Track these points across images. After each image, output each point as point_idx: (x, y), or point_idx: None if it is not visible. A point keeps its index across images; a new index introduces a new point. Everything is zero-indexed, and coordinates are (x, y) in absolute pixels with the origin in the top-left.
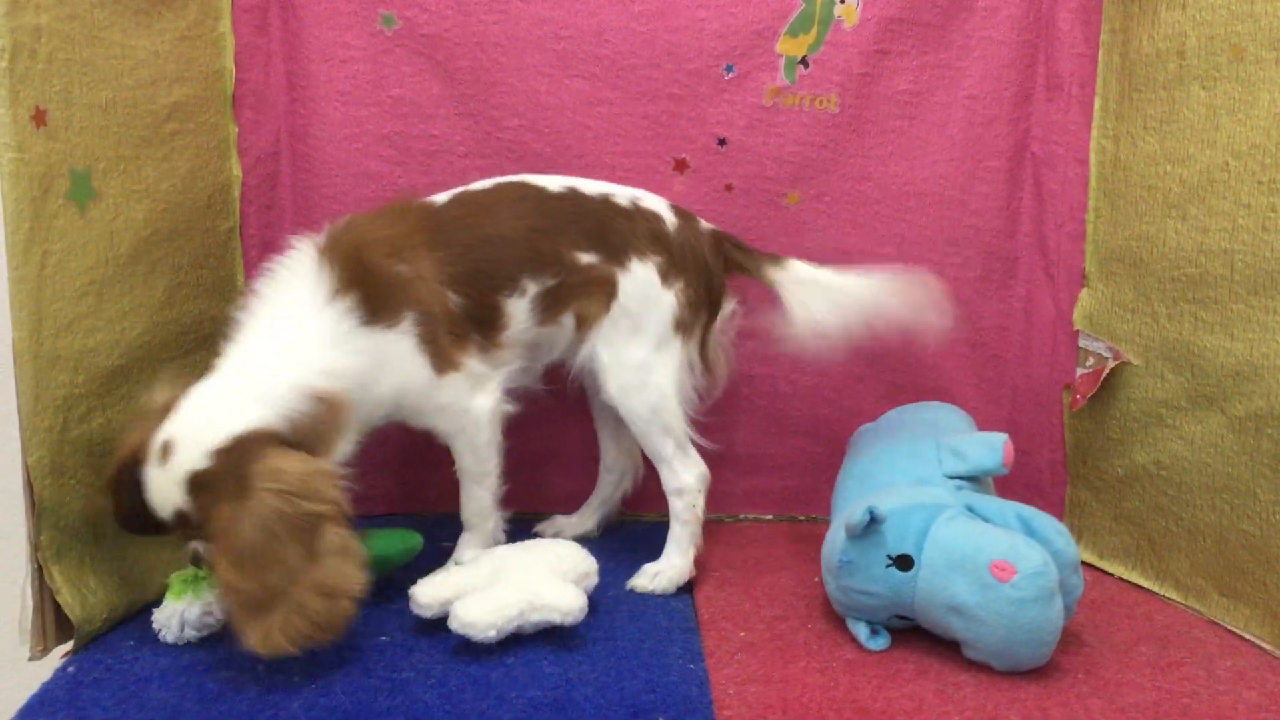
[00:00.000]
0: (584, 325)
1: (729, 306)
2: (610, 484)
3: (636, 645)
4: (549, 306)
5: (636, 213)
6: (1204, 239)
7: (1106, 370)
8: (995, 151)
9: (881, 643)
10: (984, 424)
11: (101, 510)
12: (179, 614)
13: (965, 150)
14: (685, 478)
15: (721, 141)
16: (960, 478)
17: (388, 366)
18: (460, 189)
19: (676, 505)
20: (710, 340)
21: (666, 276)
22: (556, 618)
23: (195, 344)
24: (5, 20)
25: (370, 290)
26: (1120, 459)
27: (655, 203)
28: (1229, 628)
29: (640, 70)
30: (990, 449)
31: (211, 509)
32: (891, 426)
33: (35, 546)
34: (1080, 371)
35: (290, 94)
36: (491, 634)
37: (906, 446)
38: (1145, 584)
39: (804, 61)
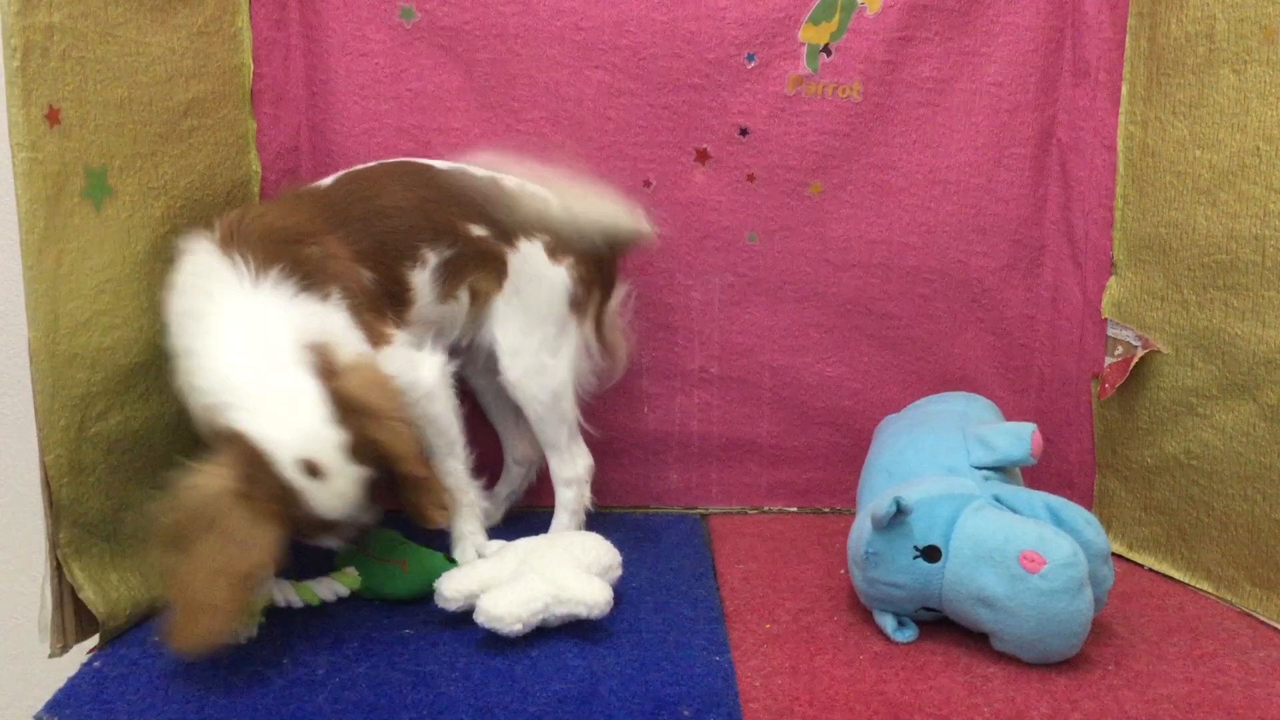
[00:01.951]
0: (478, 302)
1: (622, 289)
2: (519, 476)
3: (661, 637)
4: (447, 278)
5: (522, 193)
6: (1234, 225)
7: (1135, 359)
8: (1021, 139)
9: (908, 635)
10: (1011, 414)
11: (125, 511)
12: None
13: (990, 138)
14: (578, 467)
15: (743, 131)
16: (987, 468)
17: (332, 338)
18: (344, 170)
19: (566, 495)
20: (606, 321)
21: (554, 253)
22: (582, 611)
23: None
24: (17, 19)
25: (291, 265)
26: (1150, 449)
27: (541, 188)
28: (1262, 619)
29: (661, 60)
30: (1018, 439)
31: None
32: (917, 417)
33: (53, 544)
34: (1109, 360)
35: (309, 88)
36: (518, 628)
37: (933, 437)
38: (1176, 575)
39: (826, 49)
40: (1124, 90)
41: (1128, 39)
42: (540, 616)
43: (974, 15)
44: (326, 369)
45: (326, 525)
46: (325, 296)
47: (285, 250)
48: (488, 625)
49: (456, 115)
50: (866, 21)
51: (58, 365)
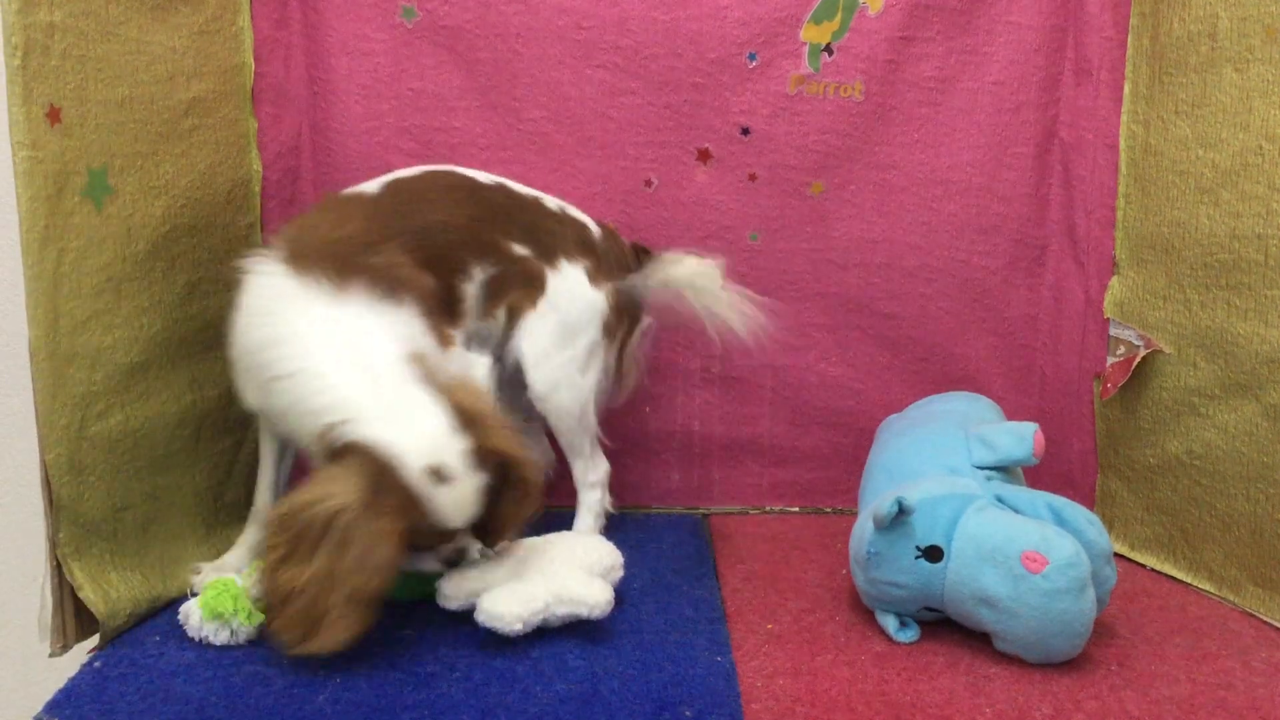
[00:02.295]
0: (513, 318)
1: (646, 320)
2: None
3: (663, 638)
4: (490, 296)
5: (565, 218)
6: (1237, 224)
7: (1138, 359)
8: (1023, 138)
9: (910, 635)
10: (1013, 414)
11: (125, 510)
12: (228, 626)
13: (992, 137)
14: (600, 472)
15: (745, 131)
16: (989, 468)
17: (418, 345)
18: (389, 177)
19: (591, 498)
20: (627, 351)
21: (595, 279)
22: (583, 611)
23: (215, 340)
24: (18, 18)
25: (366, 276)
26: (1152, 448)
27: (580, 214)
28: (1264, 619)
29: (662, 60)
30: (1020, 439)
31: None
32: (919, 417)
33: (53, 544)
34: (1111, 360)
35: (310, 88)
36: (519, 627)
37: (934, 437)
38: (1178, 575)
39: (828, 49)
40: (1126, 89)
41: (1130, 38)
42: (541, 616)
43: (976, 14)
44: (430, 378)
45: (445, 535)
46: (400, 303)
47: (354, 261)
48: (488, 624)
49: (458, 115)
50: (868, 21)
51: (58, 364)
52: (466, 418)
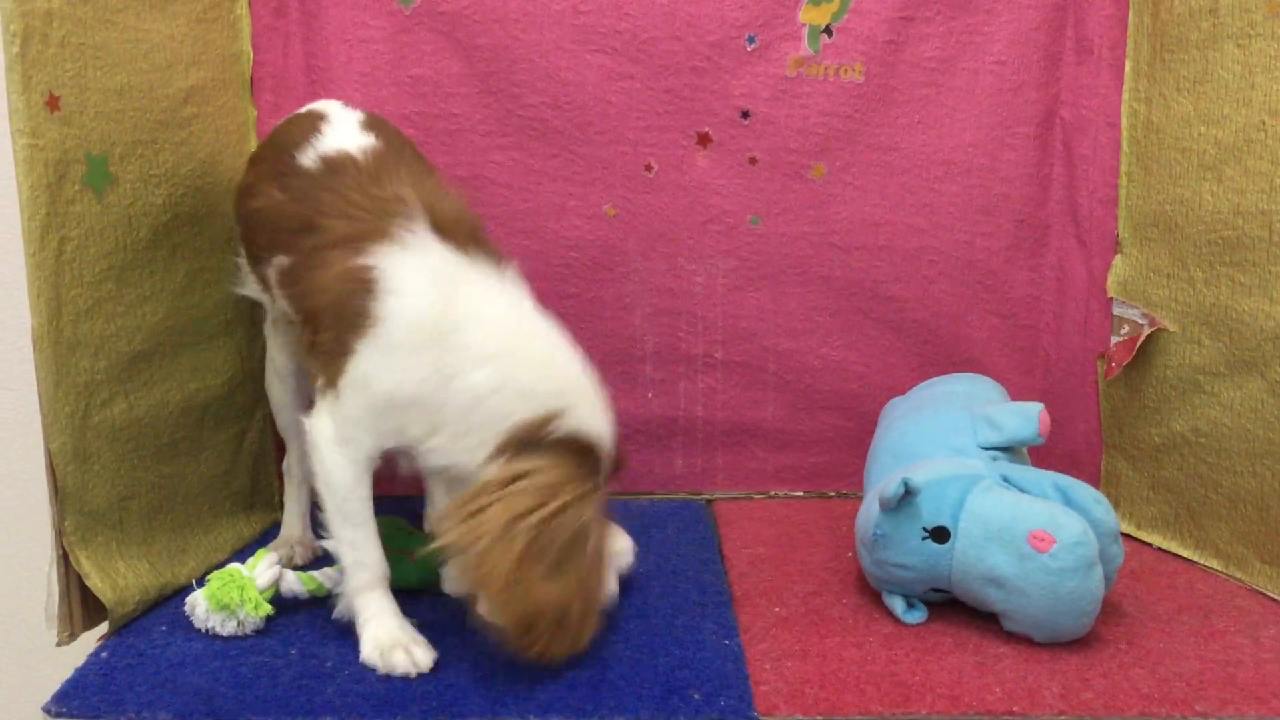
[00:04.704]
0: None
1: None
2: None
3: (670, 622)
4: None
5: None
6: (1240, 201)
7: (1142, 337)
8: (1024, 118)
9: (918, 616)
10: (1017, 394)
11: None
12: (235, 617)
13: (994, 117)
14: None
15: (745, 114)
16: (995, 448)
17: None
18: (358, 115)
19: None
20: None
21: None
22: None
23: (217, 329)
24: (16, 5)
25: (489, 245)
26: (1157, 427)
27: None
28: (1272, 596)
29: (661, 43)
30: (1026, 419)
31: None
32: (923, 399)
33: (59, 532)
34: (1115, 339)
35: (309, 76)
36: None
37: (939, 418)
38: (1185, 553)
39: (828, 30)
40: (1127, 67)
41: (1130, 15)
42: None
43: None
44: None
45: None
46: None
47: (485, 239)
48: (454, 594)
49: (457, 101)
50: (868, 2)
51: (61, 353)
52: None
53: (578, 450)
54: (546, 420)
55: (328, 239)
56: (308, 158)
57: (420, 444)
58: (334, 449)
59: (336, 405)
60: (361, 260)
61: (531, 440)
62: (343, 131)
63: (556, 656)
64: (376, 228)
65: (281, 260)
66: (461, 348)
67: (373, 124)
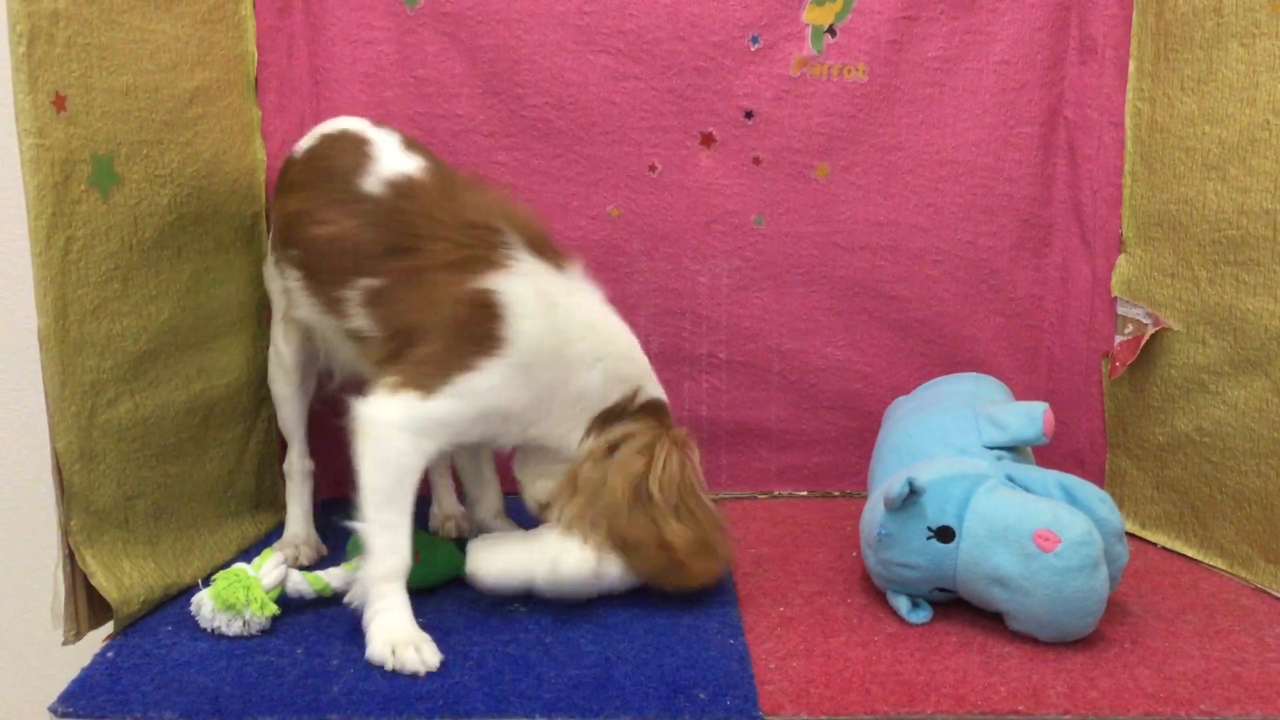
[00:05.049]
0: None
1: None
2: None
3: (675, 622)
4: None
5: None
6: (1245, 200)
7: (1146, 337)
8: (1028, 117)
9: (923, 616)
10: (1021, 394)
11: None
12: (241, 617)
13: (997, 117)
14: None
15: (748, 114)
16: (1000, 448)
17: None
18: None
19: None
20: None
21: None
22: (569, 572)
23: (223, 329)
24: (22, 5)
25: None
26: (1161, 426)
27: None
28: (1277, 595)
29: (665, 44)
30: (1030, 418)
31: None
32: (927, 398)
33: (65, 531)
34: (1119, 339)
35: (313, 77)
36: (490, 582)
37: (944, 418)
38: (1189, 553)
39: (831, 30)
40: (1131, 66)
41: (1134, 14)
42: (522, 580)
43: None
44: None
45: None
46: None
47: (552, 240)
48: (469, 571)
49: (461, 102)
50: (871, 1)
51: (67, 352)
52: None
53: (653, 410)
54: (633, 397)
55: (428, 261)
56: (370, 183)
57: (507, 438)
58: (404, 436)
59: (425, 406)
60: (479, 284)
61: (618, 413)
62: (393, 154)
63: (711, 580)
64: (483, 253)
65: (368, 283)
66: (577, 357)
67: (409, 143)
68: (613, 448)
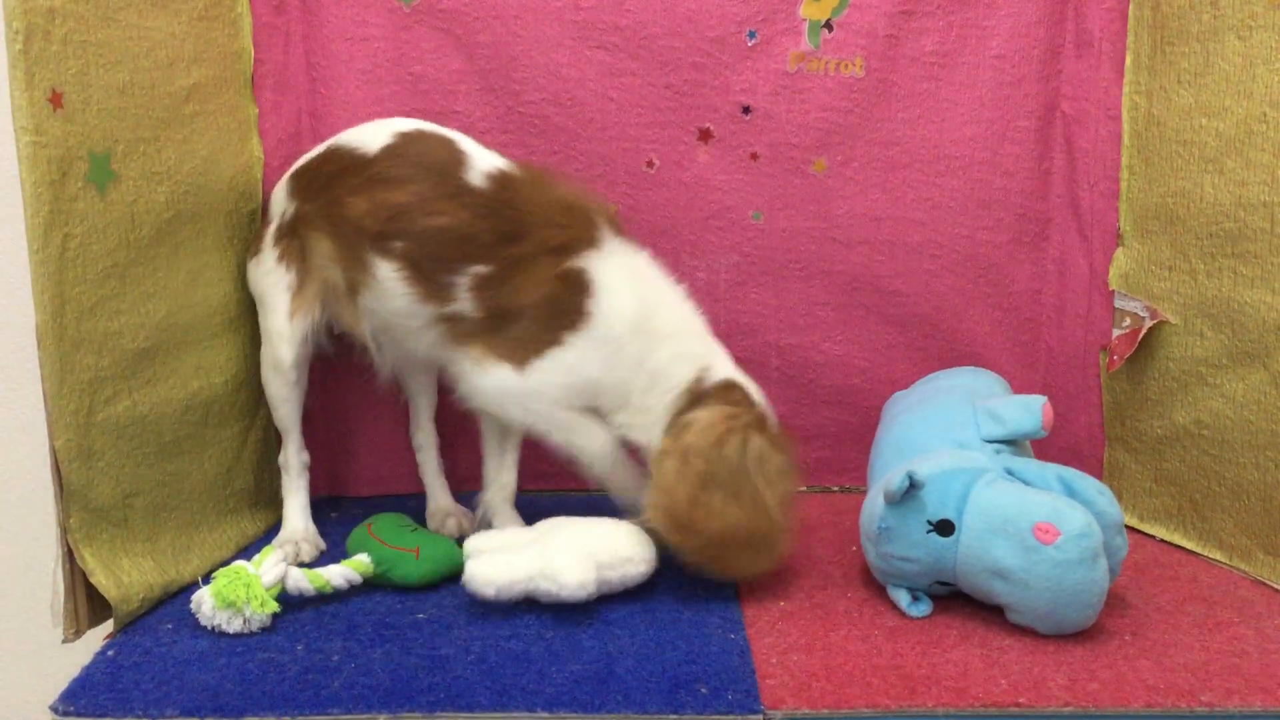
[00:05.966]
0: None
1: None
2: None
3: (675, 616)
4: None
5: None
6: (1242, 192)
7: (1144, 330)
8: (1025, 111)
9: (923, 609)
10: (1019, 388)
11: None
12: (241, 614)
13: (994, 111)
14: None
15: (746, 110)
16: (998, 441)
17: None
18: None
19: None
20: None
21: None
22: (554, 589)
23: (221, 327)
24: (19, 2)
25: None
26: (1160, 420)
27: None
28: (1276, 587)
29: (661, 39)
30: (1029, 412)
31: None
32: (926, 393)
33: (64, 529)
34: (1116, 332)
35: (310, 74)
36: (490, 591)
37: (942, 412)
38: (1188, 545)
39: (828, 25)
40: (1128, 60)
41: (1131, 8)
42: (522, 587)
43: None
44: None
45: None
46: None
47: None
48: (466, 584)
49: (458, 99)
50: None
51: (65, 350)
52: None
53: (725, 391)
54: (701, 377)
55: (534, 246)
56: (473, 177)
57: (606, 416)
58: (515, 405)
59: (521, 380)
60: (574, 263)
61: (692, 399)
62: (479, 150)
63: (754, 574)
64: (581, 234)
65: (479, 269)
66: (652, 332)
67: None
68: (682, 431)
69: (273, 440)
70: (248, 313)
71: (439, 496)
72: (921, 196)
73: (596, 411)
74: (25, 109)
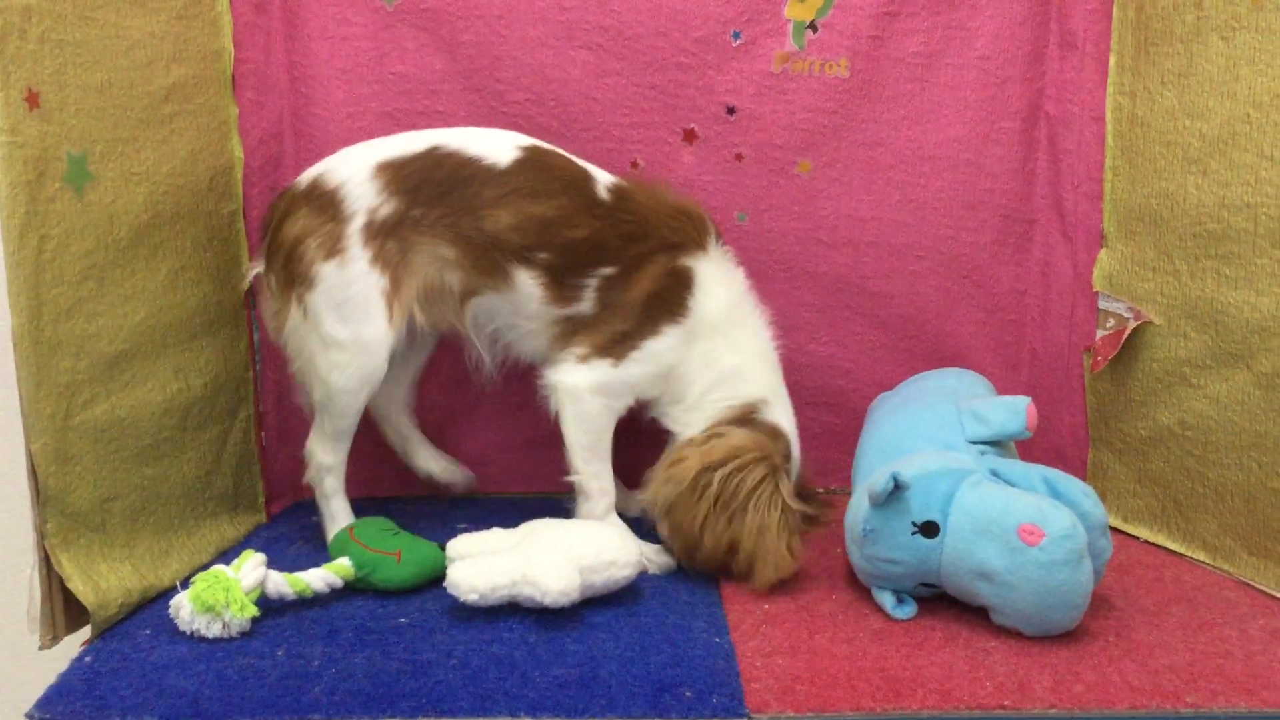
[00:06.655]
0: None
1: None
2: None
3: (660, 620)
4: None
5: None
6: (1225, 193)
7: (1127, 331)
8: (1009, 112)
9: (908, 611)
10: (1003, 389)
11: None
12: (220, 619)
13: (979, 112)
14: None
15: (730, 110)
16: (983, 443)
17: None
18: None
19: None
20: None
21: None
22: (538, 595)
23: (200, 329)
24: None
25: None
26: (1143, 420)
27: None
28: (1260, 588)
29: (646, 39)
30: (1013, 413)
31: None
32: (910, 394)
33: (41, 534)
34: (1100, 333)
35: (291, 73)
36: (473, 597)
37: (927, 413)
38: (1172, 546)
39: (813, 26)
40: (1112, 61)
41: (1115, 9)
42: (503, 593)
43: None
44: None
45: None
46: None
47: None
48: (449, 590)
49: (441, 98)
50: None
51: (42, 353)
52: None
53: (770, 433)
54: (754, 408)
55: (656, 243)
56: (600, 191)
57: (660, 406)
58: (599, 399)
59: (615, 372)
60: (682, 261)
61: (739, 422)
62: (590, 165)
63: (765, 580)
64: (694, 236)
65: (607, 270)
66: (730, 338)
67: None
68: (712, 438)
69: (253, 443)
70: (228, 315)
71: (421, 453)
72: (906, 197)
73: (652, 404)
74: (1, 109)
